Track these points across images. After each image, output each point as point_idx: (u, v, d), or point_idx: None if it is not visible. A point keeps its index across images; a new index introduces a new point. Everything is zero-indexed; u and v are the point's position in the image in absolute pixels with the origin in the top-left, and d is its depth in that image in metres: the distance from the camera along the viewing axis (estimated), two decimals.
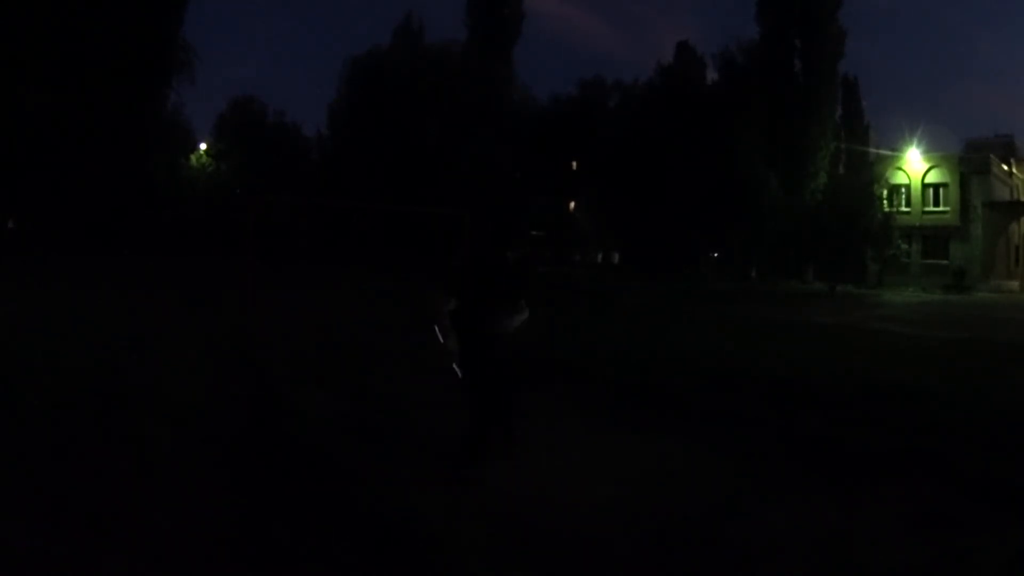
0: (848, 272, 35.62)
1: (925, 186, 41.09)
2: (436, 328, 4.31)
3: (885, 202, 39.04)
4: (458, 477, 4.25)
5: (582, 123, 45.15)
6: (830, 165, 40.31)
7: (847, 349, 11.61)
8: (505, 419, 4.62)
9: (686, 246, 41.37)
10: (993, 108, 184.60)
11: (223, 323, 11.49)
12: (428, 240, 32.69)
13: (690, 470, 4.75)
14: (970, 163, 40.49)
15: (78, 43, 26.80)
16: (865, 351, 11.32)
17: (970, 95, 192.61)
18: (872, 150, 44.17)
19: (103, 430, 5.17)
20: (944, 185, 40.63)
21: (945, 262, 38.97)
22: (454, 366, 4.36)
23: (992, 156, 41.71)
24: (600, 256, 52.27)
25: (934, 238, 40.43)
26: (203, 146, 50.05)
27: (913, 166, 41.19)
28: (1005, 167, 43.74)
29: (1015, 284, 38.34)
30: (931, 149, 41.35)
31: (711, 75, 44.68)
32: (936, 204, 40.82)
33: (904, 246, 39.17)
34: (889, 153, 42.39)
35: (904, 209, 40.53)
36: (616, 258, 50.95)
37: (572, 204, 48.69)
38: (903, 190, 41.42)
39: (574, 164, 47.73)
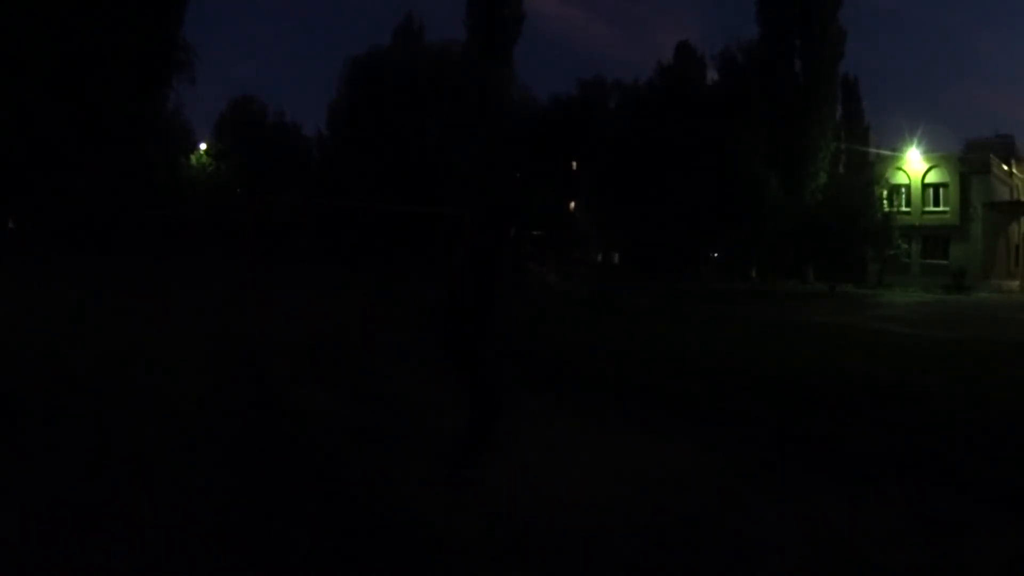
0: (848, 272, 35.62)
1: (925, 186, 41.08)
2: (437, 329, 4.31)
3: (885, 202, 39.01)
4: (458, 477, 4.24)
5: (582, 123, 45.09)
6: (830, 165, 40.34)
7: (847, 349, 11.60)
8: (496, 419, 4.60)
9: (686, 246, 41.37)
10: (993, 108, 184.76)
11: (223, 323, 11.48)
12: (428, 240, 32.68)
13: (690, 470, 4.75)
14: (970, 163, 40.48)
15: (78, 43, 26.76)
16: (865, 351, 11.31)
17: (970, 95, 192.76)
18: (872, 150, 44.23)
19: (103, 430, 5.17)
20: (944, 185, 40.62)
21: (945, 262, 38.95)
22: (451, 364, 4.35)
23: (992, 156, 41.68)
24: (600, 256, 52.26)
25: (934, 238, 40.43)
26: (203, 146, 50.05)
27: (913, 166, 41.18)
28: (1005, 167, 43.72)
29: (1015, 284, 38.35)
30: (931, 149, 41.36)
31: (711, 75, 44.77)
32: (936, 204, 40.81)
33: (904, 246, 39.16)
34: (889, 153, 42.41)
35: (904, 209, 40.51)
36: (616, 258, 50.93)
37: (572, 204, 48.68)
38: (903, 190, 41.41)
39: (574, 164, 47.70)
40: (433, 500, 3.95)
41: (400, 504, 3.92)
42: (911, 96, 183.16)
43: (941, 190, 40.71)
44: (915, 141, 41.10)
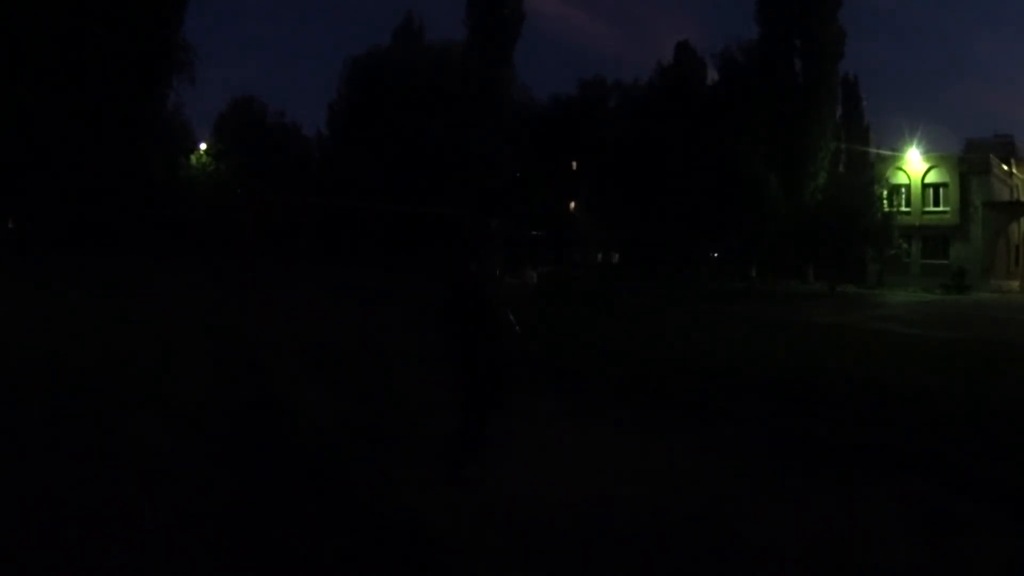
0: (848, 272, 35.60)
1: (925, 186, 41.06)
2: (436, 328, 4.31)
3: (885, 202, 38.98)
4: (458, 477, 4.25)
5: (582, 123, 45.08)
6: (830, 165, 40.29)
7: (847, 349, 11.60)
8: (491, 419, 4.60)
9: (686, 246, 41.36)
10: (993, 108, 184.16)
11: (223, 322, 11.48)
12: (428, 240, 32.68)
13: (690, 470, 4.75)
14: (970, 163, 40.45)
15: (78, 43, 26.76)
16: (865, 351, 11.31)
17: (970, 95, 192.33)
18: (872, 150, 44.19)
19: (103, 430, 5.16)
20: (944, 185, 40.60)
21: (945, 262, 38.92)
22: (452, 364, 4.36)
23: (992, 156, 41.66)
24: (600, 256, 52.26)
25: (934, 238, 40.41)
26: (203, 146, 50.01)
27: (913, 166, 41.15)
28: (1005, 167, 43.70)
29: (1015, 284, 38.33)
30: (931, 149, 41.33)
31: (711, 75, 44.65)
32: (936, 204, 40.78)
33: (904, 246, 39.15)
34: (889, 153, 42.37)
35: (904, 209, 40.48)
36: (616, 258, 50.93)
37: (572, 204, 48.68)
38: (903, 190, 41.38)
39: (574, 164, 47.69)
40: (433, 500, 3.95)
41: (400, 504, 3.91)
42: (911, 96, 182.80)
43: (941, 190, 40.68)
44: (915, 141, 41.08)
